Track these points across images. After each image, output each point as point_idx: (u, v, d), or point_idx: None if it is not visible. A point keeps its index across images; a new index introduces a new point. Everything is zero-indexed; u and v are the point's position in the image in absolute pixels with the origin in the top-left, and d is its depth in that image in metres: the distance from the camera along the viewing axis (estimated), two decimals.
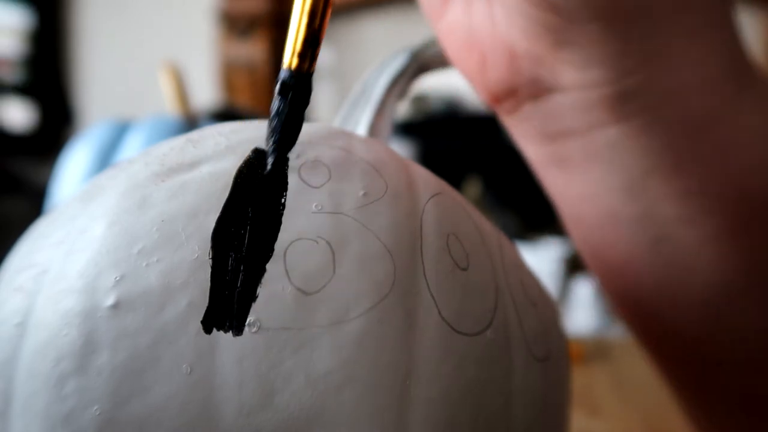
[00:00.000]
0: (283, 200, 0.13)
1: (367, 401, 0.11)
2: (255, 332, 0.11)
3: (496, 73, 0.19)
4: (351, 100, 0.20)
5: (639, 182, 0.18)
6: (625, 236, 0.19)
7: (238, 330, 0.11)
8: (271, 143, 0.14)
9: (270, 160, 0.13)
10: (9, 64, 1.50)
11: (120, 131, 0.40)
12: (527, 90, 0.18)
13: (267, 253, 0.12)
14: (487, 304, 0.14)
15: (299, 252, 0.12)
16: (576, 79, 0.17)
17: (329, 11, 0.14)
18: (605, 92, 0.17)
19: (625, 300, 0.21)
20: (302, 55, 0.14)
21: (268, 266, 0.12)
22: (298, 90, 0.14)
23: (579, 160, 0.19)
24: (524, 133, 0.20)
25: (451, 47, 0.20)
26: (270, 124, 0.14)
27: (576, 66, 0.17)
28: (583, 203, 0.20)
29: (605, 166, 0.18)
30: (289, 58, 0.14)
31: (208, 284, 0.12)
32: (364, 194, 0.13)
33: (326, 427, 0.11)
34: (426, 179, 0.15)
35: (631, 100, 0.17)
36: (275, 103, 0.14)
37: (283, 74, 0.14)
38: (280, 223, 0.12)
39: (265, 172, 0.13)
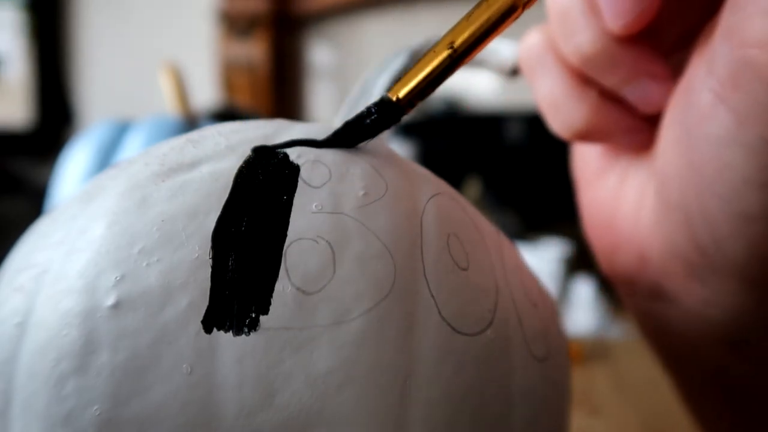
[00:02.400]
0: (286, 199, 0.13)
1: (367, 401, 0.11)
2: (255, 332, 0.11)
3: (623, 261, 0.19)
4: (351, 100, 0.20)
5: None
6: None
7: (238, 330, 0.11)
8: (332, 131, 0.15)
9: (326, 138, 0.14)
10: (9, 64, 1.50)
11: (120, 131, 0.40)
12: (647, 288, 0.18)
13: (267, 253, 0.12)
14: (487, 304, 0.14)
15: (299, 252, 0.12)
16: (698, 309, 0.17)
17: (446, 78, 0.15)
18: (722, 332, 0.17)
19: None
20: (410, 98, 0.15)
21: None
22: (387, 116, 0.15)
23: (679, 357, 0.19)
24: (634, 308, 0.20)
25: (589, 216, 0.20)
26: (346, 122, 0.15)
27: (702, 301, 0.17)
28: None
29: (703, 369, 0.18)
30: (401, 91, 0.15)
31: (208, 284, 0.12)
32: (365, 194, 0.13)
33: (326, 427, 0.11)
34: (426, 179, 0.15)
35: (744, 347, 0.17)
36: (363, 110, 0.15)
37: (386, 96, 0.15)
38: (287, 223, 0.12)
39: (269, 168, 0.13)
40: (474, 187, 0.80)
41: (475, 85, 1.47)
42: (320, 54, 1.47)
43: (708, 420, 0.21)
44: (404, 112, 0.15)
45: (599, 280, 0.74)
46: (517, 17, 0.14)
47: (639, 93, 0.17)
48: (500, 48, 0.21)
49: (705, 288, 0.16)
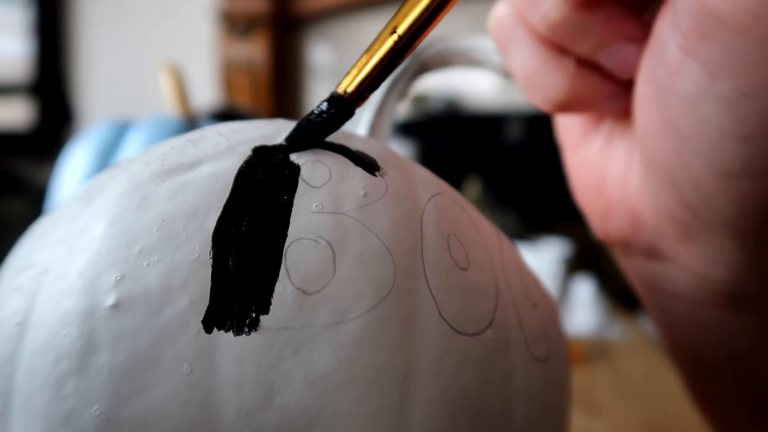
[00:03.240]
0: (287, 199, 0.13)
1: (367, 401, 0.11)
2: (255, 332, 0.11)
3: (615, 224, 0.18)
4: None
5: (744, 353, 0.18)
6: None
7: (238, 330, 0.11)
8: (287, 137, 0.14)
9: (278, 155, 0.14)
10: (9, 64, 1.50)
11: (120, 131, 0.40)
12: (642, 249, 0.18)
13: (267, 253, 0.12)
14: (487, 304, 0.14)
15: (299, 252, 0.12)
16: (695, 267, 0.17)
17: (395, 66, 0.14)
18: (721, 288, 0.17)
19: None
20: (359, 91, 0.14)
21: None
22: (338, 112, 0.14)
23: (681, 316, 0.19)
24: (630, 269, 0.20)
25: (577, 180, 0.20)
26: (298, 124, 0.15)
27: (698, 259, 0.16)
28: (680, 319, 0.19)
29: (706, 329, 0.18)
30: (349, 85, 0.14)
31: (208, 284, 0.12)
32: (365, 194, 0.13)
33: (326, 427, 0.11)
34: (426, 179, 0.15)
35: (744, 300, 0.17)
36: (315, 109, 0.14)
37: (335, 92, 0.14)
38: (287, 223, 0.12)
39: (269, 168, 0.13)
40: (474, 187, 0.80)
41: (475, 85, 1.47)
42: (320, 54, 1.47)
43: (714, 397, 0.20)
44: (355, 105, 0.14)
45: (599, 280, 0.74)
46: None
47: (615, 58, 0.16)
48: None
49: (699, 246, 0.16)
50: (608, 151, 0.18)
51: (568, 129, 0.20)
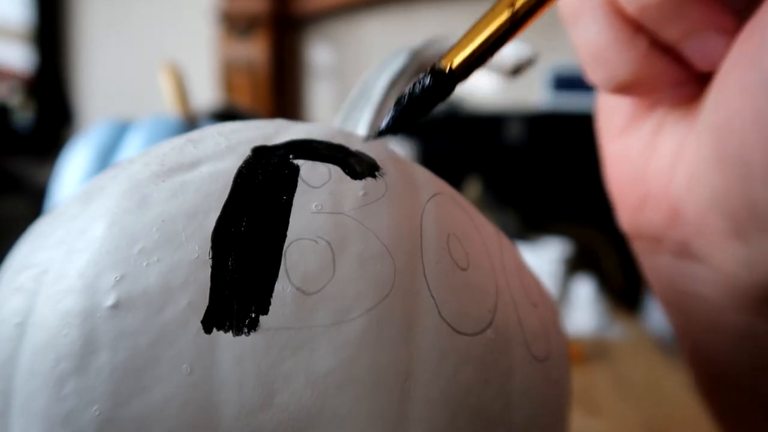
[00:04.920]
0: (286, 199, 0.13)
1: (367, 401, 0.11)
2: (255, 332, 0.11)
3: (650, 218, 0.18)
4: (351, 100, 0.20)
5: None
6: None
7: (237, 330, 0.11)
8: (388, 117, 0.14)
9: (383, 126, 0.13)
10: (9, 64, 1.50)
11: (120, 131, 0.40)
12: (673, 246, 0.18)
13: (267, 253, 0.12)
14: (487, 304, 0.14)
15: (299, 252, 0.12)
16: (729, 268, 0.16)
17: (504, 44, 0.13)
18: (753, 292, 0.16)
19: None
20: (464, 67, 0.13)
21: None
22: (440, 88, 0.14)
23: (702, 320, 0.18)
24: (653, 268, 0.19)
25: (614, 169, 0.19)
26: (398, 101, 0.14)
27: (736, 260, 0.16)
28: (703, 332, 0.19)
29: (728, 335, 0.18)
30: (453, 60, 0.13)
31: (208, 284, 0.12)
32: (364, 194, 0.13)
33: (326, 427, 0.11)
34: (426, 179, 0.15)
35: None
36: (415, 84, 0.14)
37: (438, 66, 0.13)
38: (287, 223, 0.12)
39: (269, 168, 0.13)
40: (474, 187, 0.80)
41: (475, 85, 1.47)
42: (320, 54, 1.47)
43: (729, 403, 0.20)
44: (458, 81, 0.14)
45: (599, 280, 0.74)
46: None
47: (701, 48, 0.15)
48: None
49: (743, 247, 0.15)
50: (655, 141, 0.18)
51: (612, 115, 0.19)
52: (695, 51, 0.15)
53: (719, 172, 0.15)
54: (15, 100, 1.48)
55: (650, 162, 0.18)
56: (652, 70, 0.16)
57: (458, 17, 1.28)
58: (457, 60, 0.13)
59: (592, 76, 0.17)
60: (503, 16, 0.13)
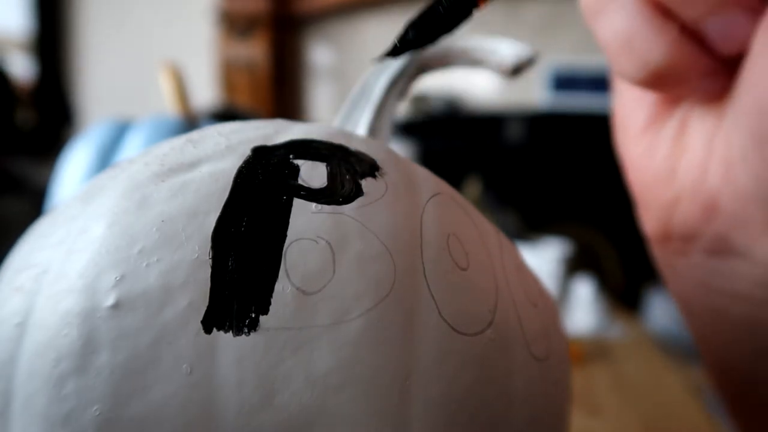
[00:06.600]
0: (286, 199, 0.13)
1: (367, 401, 0.11)
2: (255, 332, 0.11)
3: (684, 216, 0.18)
4: (351, 100, 0.20)
5: None
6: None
7: (237, 330, 0.11)
8: (411, 26, 0.14)
9: (410, 36, 0.14)
10: (10, 65, 1.49)
11: (120, 131, 0.40)
12: (709, 244, 0.17)
13: (267, 253, 0.12)
14: (487, 304, 0.14)
15: (299, 252, 0.12)
16: None
17: None
18: None
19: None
20: None
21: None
22: (460, 6, 0.14)
23: (736, 320, 0.18)
24: (682, 270, 0.19)
25: (640, 170, 0.19)
26: (421, 15, 0.14)
27: None
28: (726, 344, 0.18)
29: (763, 332, 0.17)
30: None
31: (208, 284, 0.12)
32: (364, 194, 0.13)
33: (326, 427, 0.11)
34: (426, 179, 0.15)
35: None
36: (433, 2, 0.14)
37: None
38: (287, 223, 0.12)
39: (269, 168, 0.13)
40: (474, 187, 0.80)
41: (475, 85, 1.47)
42: (320, 54, 1.47)
43: (756, 408, 0.19)
44: (477, 3, 0.13)
45: (599, 280, 0.74)
46: None
47: (722, 26, 0.15)
48: (500, 48, 0.21)
49: None
50: (682, 139, 0.17)
51: (632, 115, 0.19)
52: (716, 29, 0.15)
53: (760, 155, 0.14)
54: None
55: (679, 160, 0.17)
56: (683, 58, 0.16)
57: None
58: None
59: (622, 66, 0.17)
60: None
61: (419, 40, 0.13)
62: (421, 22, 0.13)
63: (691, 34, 0.16)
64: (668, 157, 0.18)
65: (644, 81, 0.16)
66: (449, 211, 0.15)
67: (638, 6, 0.16)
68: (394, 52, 0.14)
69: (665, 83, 0.16)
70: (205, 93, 1.32)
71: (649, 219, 0.19)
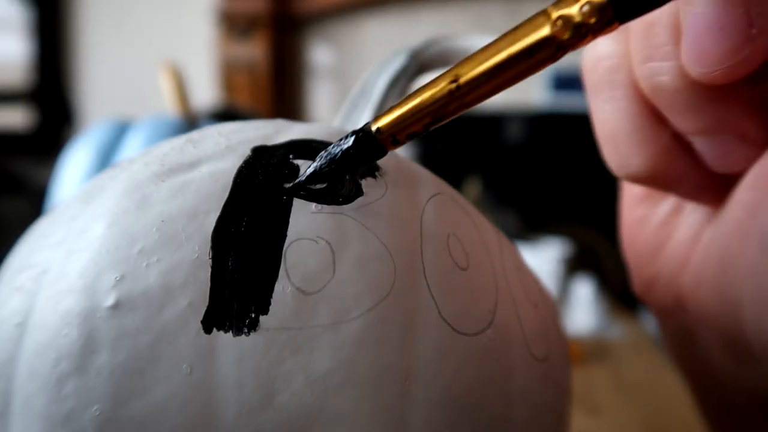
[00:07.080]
0: (286, 199, 0.13)
1: (367, 401, 0.11)
2: (255, 332, 0.11)
3: (658, 296, 0.17)
4: (351, 100, 0.20)
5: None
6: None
7: (237, 330, 0.11)
8: (310, 169, 0.13)
9: (303, 177, 0.13)
10: (9, 64, 1.50)
11: (120, 131, 0.40)
12: (680, 329, 0.17)
13: (267, 253, 0.12)
14: (487, 304, 0.14)
15: (299, 252, 0.12)
16: (730, 366, 0.15)
17: (444, 119, 0.12)
18: (758, 394, 0.15)
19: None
20: (394, 134, 0.12)
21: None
22: (364, 152, 0.13)
23: (717, 374, 0.17)
24: (665, 324, 0.18)
25: (631, 241, 0.18)
26: (319, 156, 0.13)
27: (738, 360, 0.14)
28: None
29: (738, 389, 0.16)
30: (385, 124, 0.12)
31: (208, 284, 0.12)
32: (365, 194, 0.13)
33: (326, 427, 0.11)
34: (426, 179, 0.15)
35: None
36: (341, 141, 0.13)
37: (367, 127, 0.12)
38: (287, 223, 0.12)
39: (269, 168, 0.13)
40: (474, 187, 0.80)
41: None
42: (320, 54, 1.47)
43: None
44: (384, 149, 0.12)
45: (599, 280, 0.74)
46: (552, 60, 0.11)
47: (718, 150, 0.13)
48: None
49: (742, 364, 0.14)
50: (673, 223, 0.16)
51: (633, 185, 0.18)
52: (711, 152, 0.14)
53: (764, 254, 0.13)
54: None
55: (667, 242, 0.17)
56: (672, 168, 0.14)
57: (458, 18, 1.28)
58: (386, 123, 0.12)
59: (606, 157, 0.15)
60: (442, 88, 0.12)
61: (315, 179, 0.13)
62: (320, 165, 0.13)
63: (685, 142, 0.14)
64: (657, 235, 0.17)
65: (624, 179, 0.15)
66: (449, 211, 0.15)
67: (631, 104, 0.14)
68: (300, 185, 0.13)
69: (647, 185, 0.15)
70: (205, 93, 1.32)
71: (634, 281, 0.19)
